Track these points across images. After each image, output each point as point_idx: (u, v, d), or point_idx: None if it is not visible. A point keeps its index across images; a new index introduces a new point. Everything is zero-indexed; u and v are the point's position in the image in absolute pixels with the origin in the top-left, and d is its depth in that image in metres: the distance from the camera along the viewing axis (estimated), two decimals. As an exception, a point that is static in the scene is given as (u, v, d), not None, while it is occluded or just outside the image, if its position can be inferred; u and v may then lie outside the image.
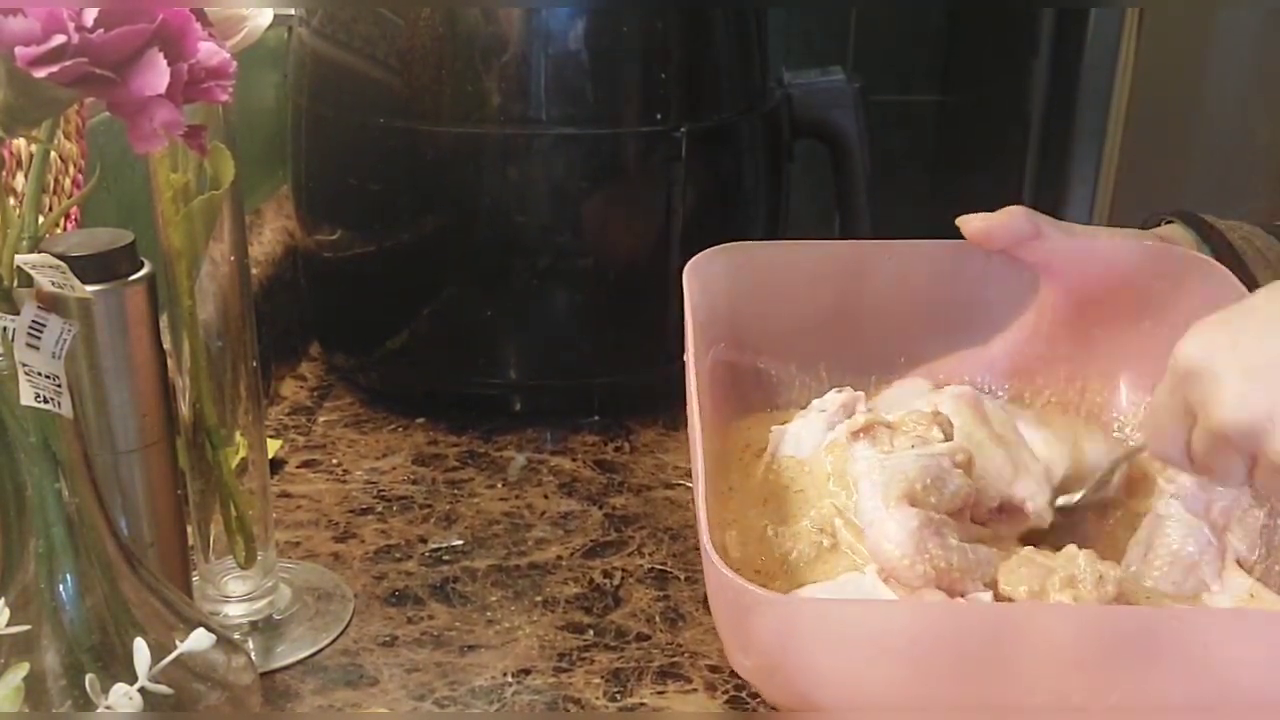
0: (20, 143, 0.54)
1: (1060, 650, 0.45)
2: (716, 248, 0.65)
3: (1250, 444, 0.46)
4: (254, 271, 0.83)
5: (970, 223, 0.63)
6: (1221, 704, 0.46)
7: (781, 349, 0.68)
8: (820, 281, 0.67)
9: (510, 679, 0.58)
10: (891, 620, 0.47)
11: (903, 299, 0.67)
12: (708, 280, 0.64)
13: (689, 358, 0.57)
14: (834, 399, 0.62)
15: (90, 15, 0.34)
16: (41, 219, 0.41)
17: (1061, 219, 0.64)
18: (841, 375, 0.67)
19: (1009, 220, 0.63)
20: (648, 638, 0.61)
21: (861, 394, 0.64)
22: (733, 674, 0.58)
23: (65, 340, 0.41)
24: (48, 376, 0.40)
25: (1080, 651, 0.45)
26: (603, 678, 0.58)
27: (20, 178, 0.54)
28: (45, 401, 0.40)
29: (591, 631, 0.61)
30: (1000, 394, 0.68)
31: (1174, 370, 0.49)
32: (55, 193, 0.58)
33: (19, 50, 0.34)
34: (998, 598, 0.52)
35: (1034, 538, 0.59)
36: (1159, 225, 0.68)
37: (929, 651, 0.46)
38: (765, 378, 0.67)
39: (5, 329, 0.39)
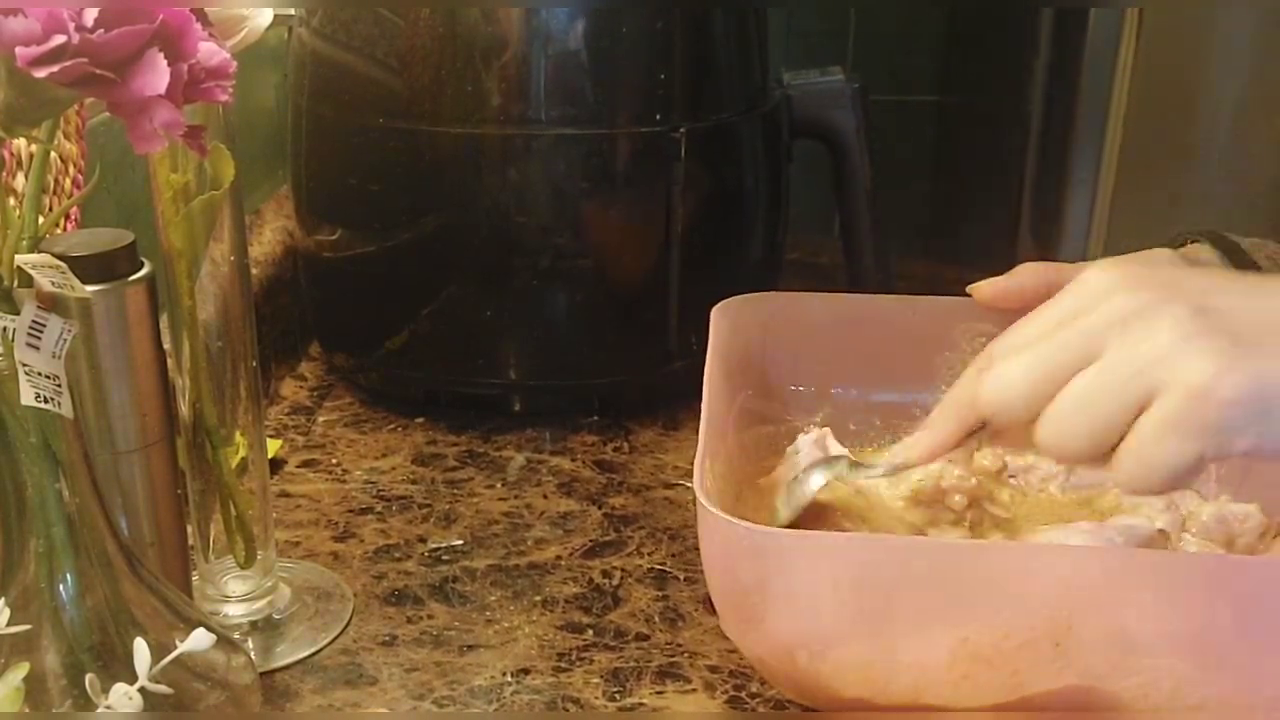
0: (20, 143, 0.54)
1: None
2: (748, 295, 0.65)
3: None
4: (254, 271, 0.83)
5: (981, 289, 0.64)
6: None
7: (809, 400, 0.68)
8: (850, 333, 0.67)
9: (510, 679, 0.58)
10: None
11: (930, 351, 0.67)
12: (738, 326, 0.64)
13: (706, 388, 0.57)
14: (804, 440, 0.63)
15: (90, 15, 0.34)
16: (41, 219, 0.41)
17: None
18: (869, 428, 0.68)
19: (1015, 283, 0.63)
20: (647, 638, 0.61)
21: (828, 429, 0.64)
22: (732, 674, 0.58)
23: (65, 340, 0.41)
24: (48, 376, 0.40)
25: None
26: (602, 677, 0.58)
27: (20, 178, 0.54)
28: (45, 401, 0.40)
29: (591, 631, 0.61)
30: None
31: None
32: (55, 193, 0.58)
33: (19, 50, 0.34)
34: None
35: None
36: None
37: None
38: (792, 429, 0.67)
39: (5, 329, 0.39)
